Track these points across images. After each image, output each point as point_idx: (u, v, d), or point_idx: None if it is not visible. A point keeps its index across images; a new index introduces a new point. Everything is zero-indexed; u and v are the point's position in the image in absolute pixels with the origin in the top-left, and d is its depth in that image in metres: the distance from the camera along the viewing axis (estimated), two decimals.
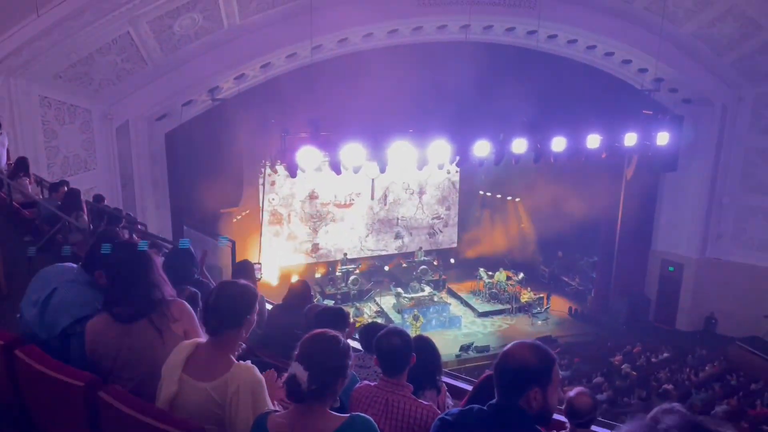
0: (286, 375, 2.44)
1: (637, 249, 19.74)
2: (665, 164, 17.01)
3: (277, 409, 2.66)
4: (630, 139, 15.25)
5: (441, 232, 22.94)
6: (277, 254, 19.95)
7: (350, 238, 21.58)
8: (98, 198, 8.62)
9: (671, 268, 19.36)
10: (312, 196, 20.68)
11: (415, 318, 18.22)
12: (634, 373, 16.60)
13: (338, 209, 21.12)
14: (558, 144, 14.77)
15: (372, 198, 21.06)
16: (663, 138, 15.50)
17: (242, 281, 2.90)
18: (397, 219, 22.17)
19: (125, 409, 2.53)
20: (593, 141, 14.96)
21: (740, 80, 17.18)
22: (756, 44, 15.98)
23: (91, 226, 6.78)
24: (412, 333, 17.38)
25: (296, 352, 2.46)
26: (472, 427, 2.36)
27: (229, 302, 2.73)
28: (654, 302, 19.94)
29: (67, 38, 10.90)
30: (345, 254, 21.01)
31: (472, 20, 14.80)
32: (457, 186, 22.75)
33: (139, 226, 8.07)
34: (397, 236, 22.29)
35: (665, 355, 17.64)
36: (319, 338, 2.50)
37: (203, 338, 2.80)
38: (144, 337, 2.92)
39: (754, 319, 17.66)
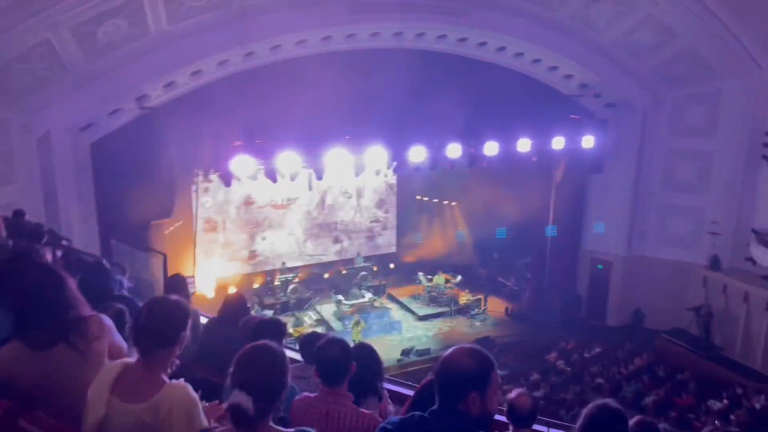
0: (227, 403, 2.37)
1: (568, 249, 20.40)
2: (592, 166, 17.74)
3: (215, 425, 2.59)
4: (558, 142, 15.83)
5: (380, 235, 22.99)
6: (212, 265, 19.47)
7: (288, 244, 21.27)
8: (18, 213, 8.15)
9: (600, 266, 20.10)
10: (248, 202, 20.23)
11: (357, 323, 18.18)
12: (569, 369, 17.15)
13: (275, 211, 20.67)
14: (491, 148, 15.17)
15: (310, 189, 20.66)
16: (589, 141, 16.18)
17: (174, 297, 2.80)
18: (336, 223, 22.04)
19: None
20: (524, 145, 15.45)
21: (659, 85, 18.07)
22: (672, 51, 16.86)
23: (11, 243, 6.41)
24: (354, 338, 17.48)
25: (233, 378, 2.39)
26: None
27: (161, 320, 2.64)
28: (585, 299, 20.63)
29: None
30: (283, 263, 20.74)
31: (405, 28, 14.96)
32: (395, 189, 22.84)
33: (64, 242, 7.70)
34: (336, 240, 22.17)
35: (597, 350, 18.30)
36: (255, 358, 2.44)
37: (131, 354, 2.69)
38: (65, 363, 2.76)
39: (678, 311, 18.55)
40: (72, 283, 2.96)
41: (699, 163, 18.36)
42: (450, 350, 2.44)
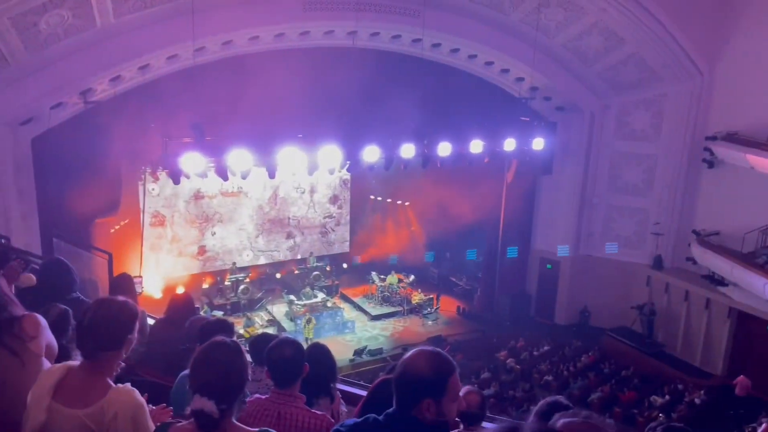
0: (190, 409, 2.29)
1: (518, 248, 20.74)
2: (541, 168, 18.11)
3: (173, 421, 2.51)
4: (509, 144, 16.07)
5: (333, 231, 22.83)
6: (161, 264, 18.96)
7: (239, 239, 20.86)
8: None
9: (549, 266, 20.54)
10: (197, 196, 19.65)
11: (308, 321, 18.09)
12: (518, 366, 17.47)
13: (226, 205, 20.18)
14: (444, 149, 15.28)
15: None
16: (539, 143, 16.48)
17: (120, 298, 2.68)
18: (288, 218, 21.72)
19: None
20: (476, 146, 15.62)
21: (606, 90, 18.60)
22: (619, 56, 17.38)
23: None
24: (306, 335, 17.34)
25: (191, 382, 2.30)
26: None
27: (107, 322, 2.52)
28: (534, 298, 21.07)
29: None
30: (234, 263, 20.39)
31: (359, 27, 14.93)
32: (349, 185, 22.68)
33: (2, 240, 7.35)
34: (289, 236, 21.84)
35: (545, 348, 18.71)
36: (212, 358, 2.33)
37: (75, 357, 2.57)
38: (0, 366, 2.63)
39: (623, 310, 19.15)
40: (3, 283, 2.82)
41: (643, 166, 18.98)
42: (410, 353, 2.36)
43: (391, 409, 2.34)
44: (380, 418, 2.34)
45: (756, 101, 16.00)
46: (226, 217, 20.44)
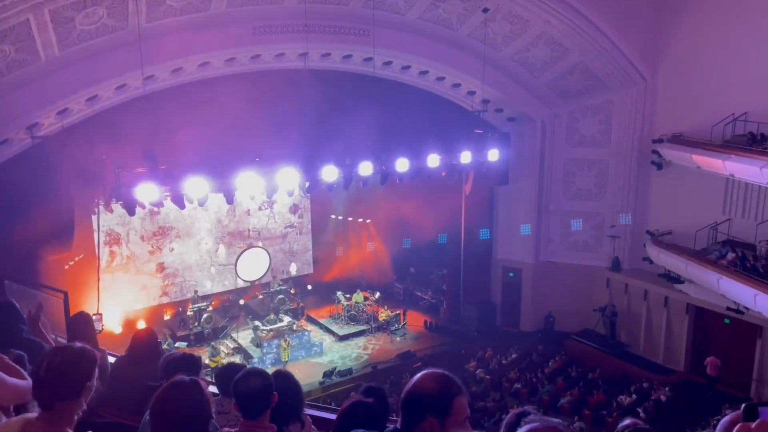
0: None
1: (480, 259, 20.97)
2: (498, 178, 18.38)
3: None
4: (465, 157, 16.29)
5: (296, 241, 22.48)
6: (120, 294, 18.33)
7: (199, 254, 20.41)
8: None
9: (511, 274, 20.80)
10: (152, 212, 18.75)
11: (286, 342, 18.04)
12: (488, 376, 17.57)
13: (183, 220, 19.67)
14: (401, 165, 15.39)
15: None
16: (494, 154, 16.76)
17: (77, 344, 2.59)
18: (249, 230, 21.40)
19: None
20: (433, 160, 15.78)
21: (555, 99, 19.08)
22: (565, 66, 17.88)
23: None
24: (283, 357, 17.17)
25: (152, 426, 2.24)
26: None
27: (64, 371, 2.43)
28: (499, 307, 21.26)
29: None
30: (195, 291, 19.98)
31: (309, 48, 14.98)
32: (309, 196, 21.90)
33: None
34: (250, 248, 21.54)
35: (513, 356, 18.88)
36: (168, 403, 2.28)
37: (32, 408, 2.47)
38: None
39: (586, 313, 19.48)
40: None
41: (595, 170, 19.49)
42: (419, 374, 2.33)
43: (393, 426, 2.32)
44: None
45: (698, 102, 16.64)
46: (183, 231, 19.99)
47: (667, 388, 16.12)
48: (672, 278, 17.27)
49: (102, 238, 17.89)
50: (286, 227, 22.23)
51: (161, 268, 19.81)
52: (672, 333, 17.85)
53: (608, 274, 19.44)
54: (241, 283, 21.36)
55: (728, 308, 15.30)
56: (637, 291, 18.72)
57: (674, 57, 17.46)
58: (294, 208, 22.27)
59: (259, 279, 21.41)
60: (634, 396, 15.98)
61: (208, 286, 20.70)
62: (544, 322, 20.41)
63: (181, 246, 20.07)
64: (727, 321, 16.36)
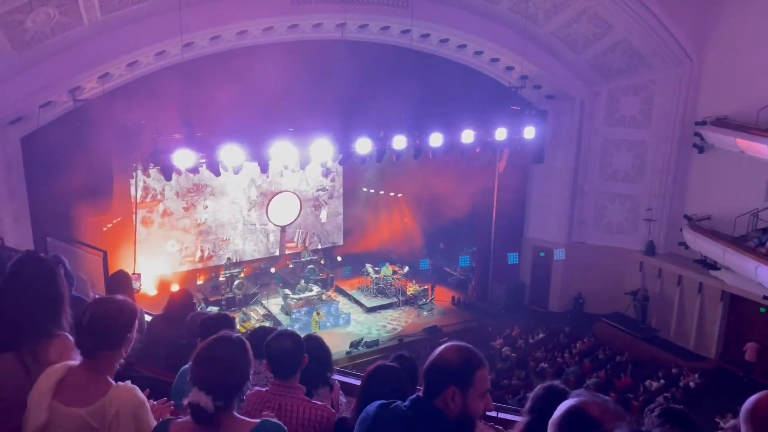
0: (186, 401, 2.30)
1: (511, 237, 20.82)
2: (533, 157, 18.14)
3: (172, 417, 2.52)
4: (500, 133, 16.09)
5: (326, 204, 22.67)
6: (155, 257, 18.77)
7: (232, 213, 20.72)
8: None
9: (542, 254, 20.64)
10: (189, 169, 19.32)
11: (318, 313, 18.32)
12: (514, 354, 17.57)
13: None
14: (435, 140, 15.28)
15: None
16: (530, 132, 16.51)
17: (119, 297, 2.68)
18: (281, 192, 21.63)
19: None
20: (468, 136, 15.63)
21: (595, 77, 18.64)
22: (607, 43, 17.42)
23: None
24: (314, 328, 17.46)
25: (191, 375, 2.31)
26: (387, 422, 2.32)
27: (106, 321, 2.52)
28: (528, 287, 21.16)
29: None
30: (229, 258, 20.37)
31: (347, 18, 14.88)
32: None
33: None
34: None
35: (540, 335, 18.82)
36: (214, 355, 2.33)
37: (75, 360, 2.57)
38: (6, 372, 2.63)
39: (616, 296, 19.27)
40: (65, 298, 2.82)
41: (634, 152, 19.08)
42: (442, 345, 2.37)
43: (415, 395, 2.34)
44: (406, 404, 2.32)
45: (744, 85, 16.08)
46: (217, 190, 20.27)
47: (696, 375, 15.93)
48: (708, 264, 16.93)
49: (139, 193, 18.31)
50: (317, 189, 22.39)
51: (195, 224, 20.20)
52: (704, 320, 17.56)
53: (642, 257, 19.14)
54: (273, 249, 21.61)
55: (765, 297, 14.99)
56: (670, 276, 18.42)
57: (722, 37, 16.85)
58: (326, 172, 22.25)
59: (290, 224, 21.64)
60: (662, 381, 15.83)
61: (240, 245, 21.04)
62: (574, 303, 20.26)
63: (215, 203, 20.40)
64: (762, 310, 16.03)
